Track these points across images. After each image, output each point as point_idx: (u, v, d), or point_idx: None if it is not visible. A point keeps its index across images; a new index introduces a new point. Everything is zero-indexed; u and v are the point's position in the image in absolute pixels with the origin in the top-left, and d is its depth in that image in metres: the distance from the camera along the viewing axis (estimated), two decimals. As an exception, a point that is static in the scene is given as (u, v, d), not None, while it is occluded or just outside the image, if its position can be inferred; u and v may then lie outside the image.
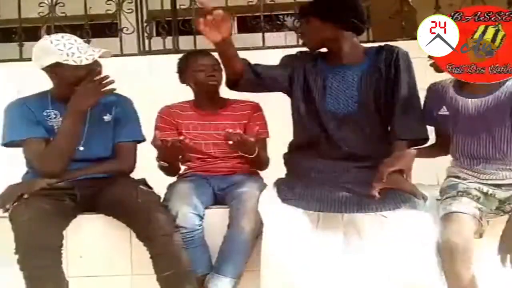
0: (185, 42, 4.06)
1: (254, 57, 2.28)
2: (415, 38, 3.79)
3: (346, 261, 1.90)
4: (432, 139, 2.24)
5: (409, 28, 3.81)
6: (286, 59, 2.27)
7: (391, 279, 1.85)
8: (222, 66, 2.35)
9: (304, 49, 2.29)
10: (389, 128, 2.18)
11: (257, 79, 2.18)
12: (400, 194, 1.96)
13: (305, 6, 2.24)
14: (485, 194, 2.04)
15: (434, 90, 2.16)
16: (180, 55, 2.57)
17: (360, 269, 1.88)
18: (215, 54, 2.48)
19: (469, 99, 2.03)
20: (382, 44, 2.25)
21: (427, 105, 2.18)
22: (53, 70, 2.12)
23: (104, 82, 2.10)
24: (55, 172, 2.11)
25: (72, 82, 2.11)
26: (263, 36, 3.93)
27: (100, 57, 2.14)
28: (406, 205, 1.93)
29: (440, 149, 2.23)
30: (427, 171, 2.20)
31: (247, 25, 4.26)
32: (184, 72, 2.45)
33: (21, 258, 1.91)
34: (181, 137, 2.20)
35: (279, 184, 2.12)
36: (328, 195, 2.00)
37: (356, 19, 2.14)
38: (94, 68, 2.13)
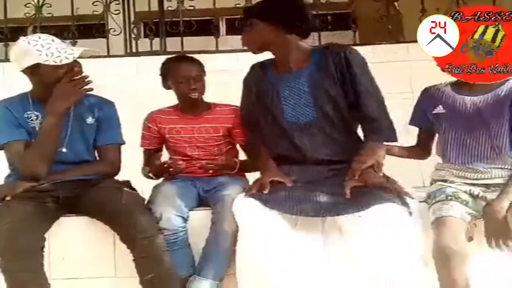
0: (173, 44, 4.05)
1: (242, 59, 2.28)
2: (401, 42, 3.83)
3: (325, 261, 1.89)
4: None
5: (395, 31, 3.83)
6: (247, 94, 2.28)
7: (371, 277, 1.83)
8: (204, 73, 2.39)
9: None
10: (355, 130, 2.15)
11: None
12: (374, 193, 1.92)
13: (248, 7, 2.23)
14: (474, 197, 2.04)
15: (429, 91, 2.17)
16: (167, 57, 2.55)
17: (340, 269, 1.87)
18: (200, 56, 2.48)
19: (468, 97, 2.04)
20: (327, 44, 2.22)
21: (419, 107, 2.20)
22: (33, 71, 2.11)
23: (82, 81, 2.08)
24: (37, 175, 2.09)
25: (52, 82, 2.09)
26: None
27: (80, 56, 2.12)
28: (382, 202, 1.89)
29: (421, 151, 2.24)
30: (413, 173, 2.21)
31: (235, 27, 4.25)
32: (166, 79, 2.43)
33: (3, 262, 1.88)
34: (180, 162, 2.27)
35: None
36: (307, 198, 1.97)
37: (300, 21, 2.11)
38: (73, 67, 2.10)
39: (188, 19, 4.07)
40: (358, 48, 2.27)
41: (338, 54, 2.09)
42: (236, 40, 4.49)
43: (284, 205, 1.97)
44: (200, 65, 2.41)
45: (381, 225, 1.85)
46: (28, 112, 2.17)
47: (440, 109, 2.10)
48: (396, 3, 4.00)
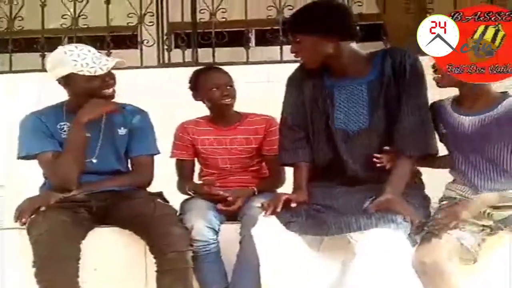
0: (205, 55, 4.10)
1: (271, 71, 2.27)
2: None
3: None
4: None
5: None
6: (294, 94, 2.09)
7: None
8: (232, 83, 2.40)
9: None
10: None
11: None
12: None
13: (290, 21, 2.05)
14: (482, 212, 1.94)
15: (434, 107, 2.07)
16: (195, 68, 2.56)
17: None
18: (230, 68, 2.49)
19: (466, 117, 1.98)
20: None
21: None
22: (67, 81, 2.14)
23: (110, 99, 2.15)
24: (67, 184, 2.12)
25: (86, 93, 2.13)
26: (281, 50, 3.94)
27: (114, 68, 2.15)
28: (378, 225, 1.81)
29: (444, 162, 2.12)
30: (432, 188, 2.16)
31: (265, 38, 4.26)
32: (197, 90, 2.43)
33: (39, 271, 1.93)
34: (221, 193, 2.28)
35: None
36: (328, 220, 1.90)
37: (347, 24, 1.99)
38: (107, 79, 2.14)
39: (219, 30, 4.10)
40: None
41: (396, 57, 1.99)
42: (265, 51, 4.55)
43: (304, 227, 1.90)
44: (228, 75, 2.43)
45: (372, 253, 1.76)
46: (61, 123, 2.20)
47: (442, 128, 2.04)
48: (428, 15, 3.95)
